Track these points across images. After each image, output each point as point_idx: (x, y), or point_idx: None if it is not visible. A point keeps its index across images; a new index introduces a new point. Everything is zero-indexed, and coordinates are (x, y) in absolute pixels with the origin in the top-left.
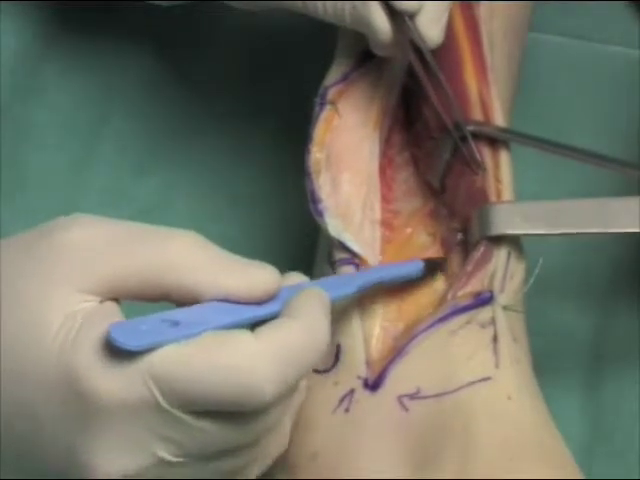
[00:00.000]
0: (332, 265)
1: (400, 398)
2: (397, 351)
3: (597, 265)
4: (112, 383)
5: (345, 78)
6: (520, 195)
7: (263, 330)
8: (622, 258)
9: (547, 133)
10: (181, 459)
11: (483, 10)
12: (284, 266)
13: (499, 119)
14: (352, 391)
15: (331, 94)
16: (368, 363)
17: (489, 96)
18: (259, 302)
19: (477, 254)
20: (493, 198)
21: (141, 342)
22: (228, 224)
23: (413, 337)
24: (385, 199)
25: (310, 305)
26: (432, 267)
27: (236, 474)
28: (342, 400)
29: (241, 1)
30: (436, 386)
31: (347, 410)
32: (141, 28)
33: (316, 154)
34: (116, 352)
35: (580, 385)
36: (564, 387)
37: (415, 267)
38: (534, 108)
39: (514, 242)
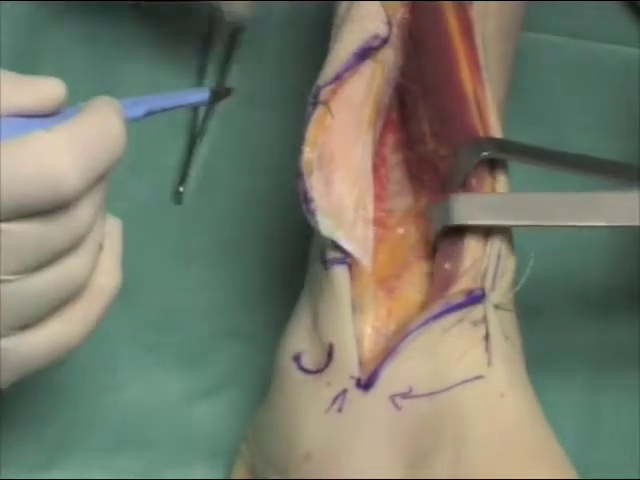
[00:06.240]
0: (324, 264)
1: (393, 397)
2: (389, 350)
3: (596, 265)
4: None
5: (338, 78)
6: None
7: (57, 125)
8: (621, 257)
9: (544, 133)
10: (9, 276)
11: (476, 10)
12: (283, 265)
13: (494, 119)
14: (345, 391)
15: (323, 94)
16: (361, 363)
17: (484, 96)
18: (50, 114)
19: (448, 247)
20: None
21: None
22: (227, 224)
23: (405, 335)
24: (378, 198)
25: (102, 105)
26: (219, 95)
27: (77, 285)
28: (335, 400)
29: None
30: (428, 385)
31: (340, 410)
32: (140, 28)
33: (308, 154)
34: None
35: (578, 386)
36: (562, 388)
37: (201, 95)
38: (531, 108)
39: (504, 240)
